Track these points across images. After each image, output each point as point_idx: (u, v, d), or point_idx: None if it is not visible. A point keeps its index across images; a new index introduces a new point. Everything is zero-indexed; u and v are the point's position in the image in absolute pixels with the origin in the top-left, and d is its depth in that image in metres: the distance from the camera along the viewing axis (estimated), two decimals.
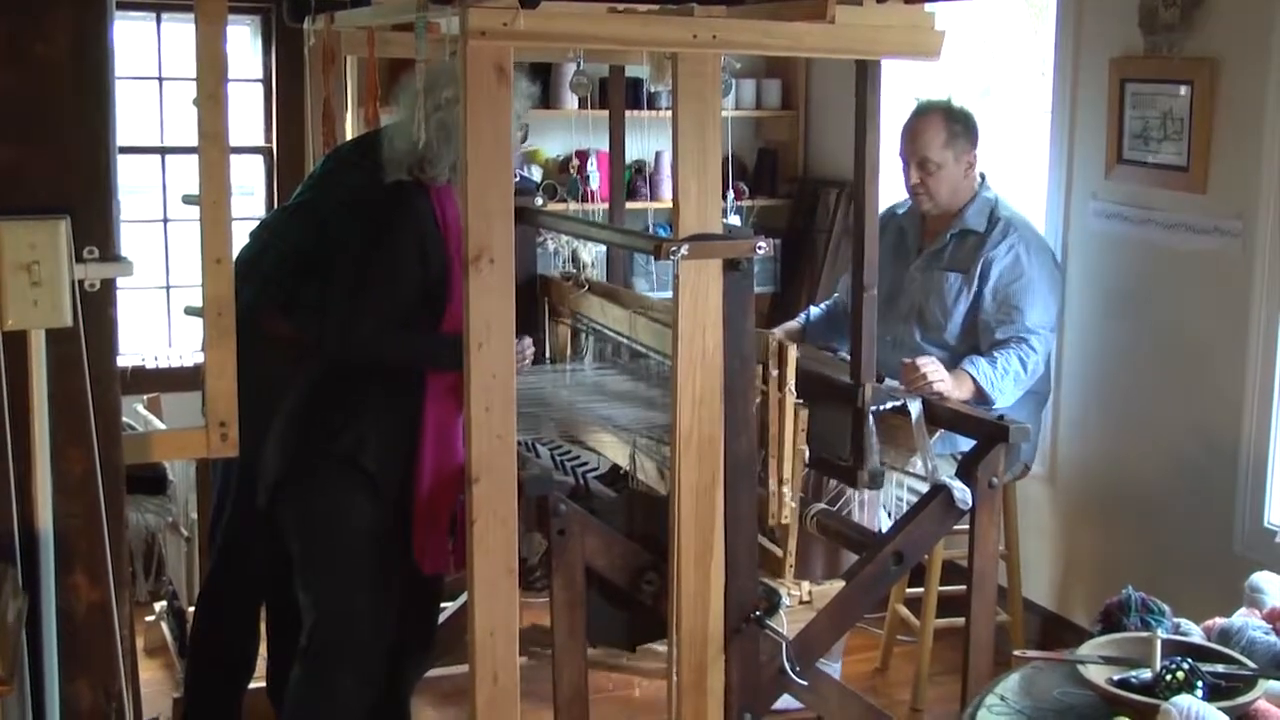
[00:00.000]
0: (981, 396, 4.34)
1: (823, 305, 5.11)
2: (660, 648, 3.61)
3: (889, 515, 4.16)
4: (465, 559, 3.13)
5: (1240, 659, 2.73)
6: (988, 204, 4.67)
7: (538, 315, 4.47)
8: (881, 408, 3.87)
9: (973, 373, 4.37)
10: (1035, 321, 4.51)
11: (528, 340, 3.94)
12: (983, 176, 4.71)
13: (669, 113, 3.27)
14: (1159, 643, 2.71)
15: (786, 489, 3.65)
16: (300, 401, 3.70)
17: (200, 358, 2.85)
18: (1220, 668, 2.68)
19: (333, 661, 3.66)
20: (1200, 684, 2.59)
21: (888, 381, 4.07)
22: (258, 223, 4.33)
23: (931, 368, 4.17)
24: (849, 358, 3.92)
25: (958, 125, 4.62)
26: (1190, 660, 2.65)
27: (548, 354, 4.50)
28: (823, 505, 3.99)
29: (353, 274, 3.62)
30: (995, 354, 4.43)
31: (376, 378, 3.62)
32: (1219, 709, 2.47)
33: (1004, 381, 4.37)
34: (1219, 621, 2.92)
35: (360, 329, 3.58)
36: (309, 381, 3.72)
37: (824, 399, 3.81)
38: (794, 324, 5.01)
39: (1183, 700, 2.48)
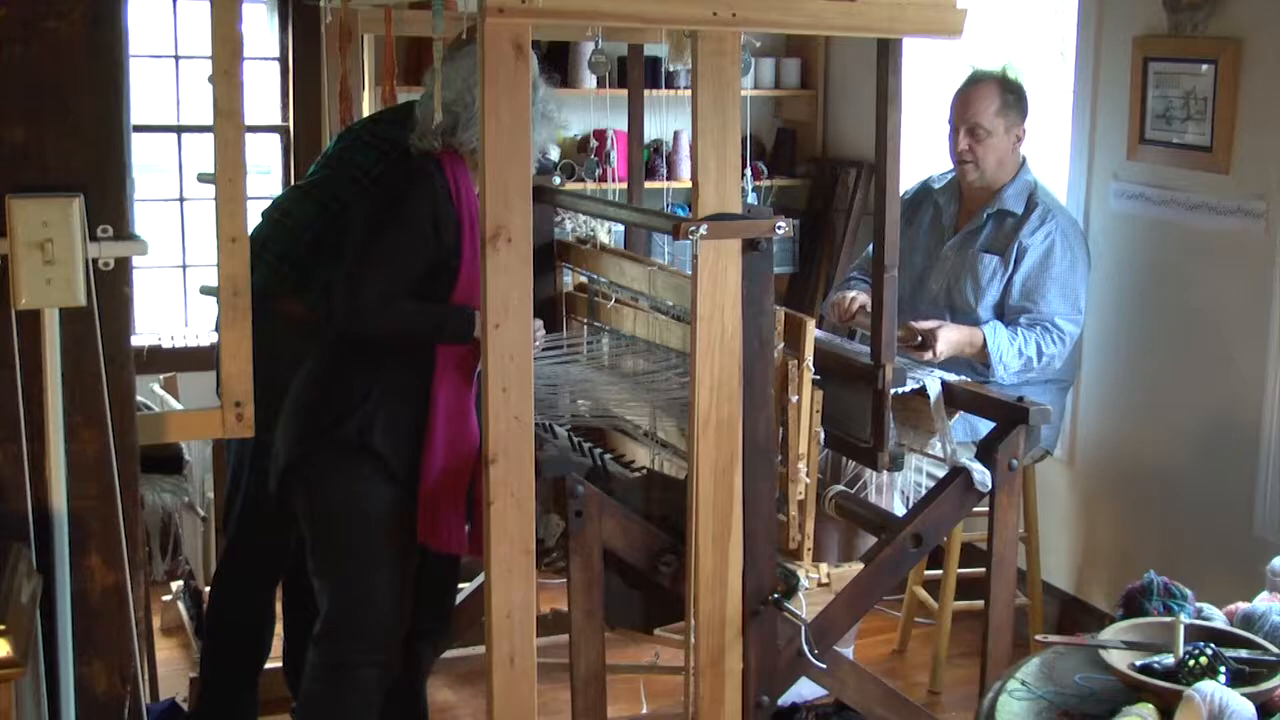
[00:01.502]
0: (984, 358, 4.33)
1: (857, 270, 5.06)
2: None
3: (907, 498, 4.14)
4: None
5: (1264, 644, 2.72)
6: (1027, 187, 4.63)
7: (555, 279, 4.45)
8: (900, 390, 3.86)
9: (987, 334, 4.38)
10: (1063, 316, 4.48)
11: (538, 322, 3.93)
12: (1024, 159, 4.68)
13: (687, 92, 3.25)
14: (1181, 628, 2.69)
15: (802, 465, 3.65)
16: (308, 383, 3.68)
17: (216, 337, 2.83)
18: (1243, 653, 2.67)
19: (347, 645, 3.65)
20: (1223, 670, 2.57)
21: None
22: (270, 202, 4.32)
23: (930, 324, 4.28)
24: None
25: (1011, 95, 4.60)
26: (1213, 646, 2.63)
27: (563, 321, 4.49)
28: (841, 487, 3.98)
29: (362, 245, 3.60)
30: (1019, 330, 4.43)
31: (385, 356, 3.59)
32: (1242, 695, 2.46)
33: (1011, 357, 4.36)
34: (1241, 606, 2.91)
35: (366, 298, 3.55)
36: (317, 362, 3.70)
37: (844, 379, 3.79)
38: (863, 296, 4.75)
39: (1206, 686, 2.46)
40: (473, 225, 3.56)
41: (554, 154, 6.20)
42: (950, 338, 4.35)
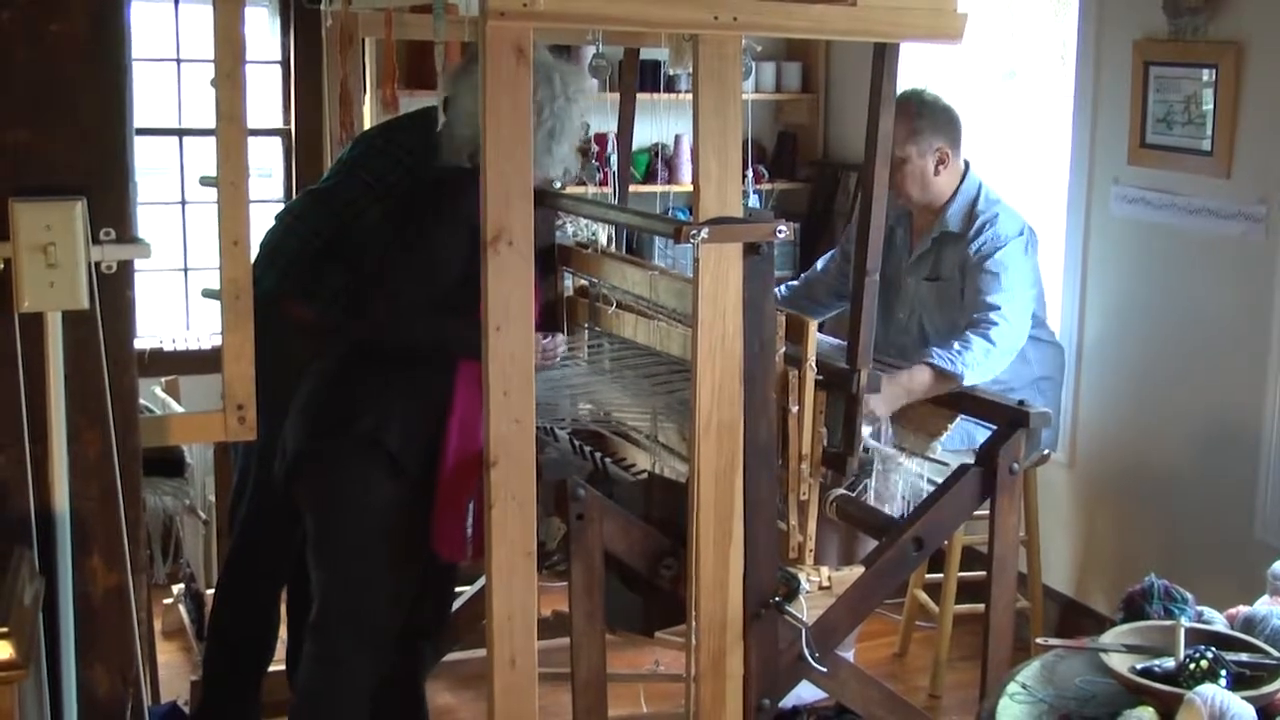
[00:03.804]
0: (946, 377, 4.12)
1: (798, 281, 5.02)
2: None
3: (907, 502, 4.12)
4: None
5: (1264, 648, 2.72)
6: (968, 202, 4.52)
7: (556, 283, 4.45)
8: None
9: (927, 360, 4.14)
10: (993, 297, 4.33)
11: (560, 338, 3.93)
12: (967, 165, 4.58)
13: (688, 96, 3.24)
14: (1182, 631, 2.69)
15: (805, 467, 3.65)
16: (325, 380, 3.69)
17: (218, 340, 2.84)
18: (1244, 657, 2.67)
19: (342, 637, 3.65)
20: (1224, 673, 2.57)
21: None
22: (282, 207, 4.32)
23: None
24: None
25: (923, 120, 4.48)
26: (1214, 649, 2.63)
27: (564, 325, 4.48)
28: (842, 490, 3.97)
29: (398, 254, 3.61)
30: (953, 340, 4.23)
31: (404, 360, 3.60)
32: (1243, 698, 2.46)
33: (964, 356, 4.14)
34: (1242, 610, 2.91)
35: (398, 308, 3.57)
36: (334, 361, 3.70)
37: (826, 384, 3.77)
38: None
39: (1206, 689, 2.46)
40: None
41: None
42: (885, 397, 4.00)
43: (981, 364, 4.20)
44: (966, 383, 4.13)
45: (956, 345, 4.19)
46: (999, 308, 4.30)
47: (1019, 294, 4.38)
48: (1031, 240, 4.52)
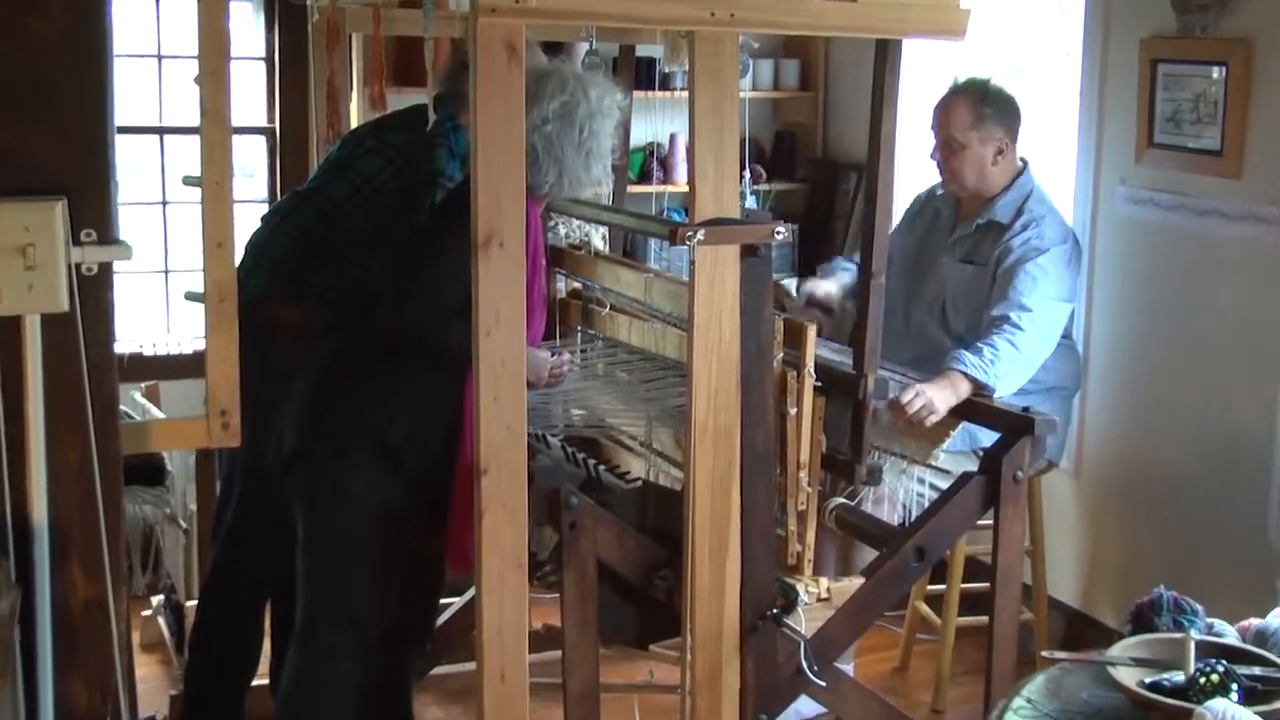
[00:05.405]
0: (980, 387, 4.12)
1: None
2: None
3: (907, 511, 4.08)
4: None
5: (1277, 661, 2.70)
6: (1021, 196, 4.53)
7: (549, 285, 4.42)
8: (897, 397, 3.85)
9: (961, 368, 4.12)
10: (1028, 300, 4.31)
11: (567, 355, 3.91)
12: (1025, 163, 4.60)
13: (684, 93, 3.22)
14: (1192, 644, 2.68)
15: (803, 475, 3.63)
16: (325, 378, 3.67)
17: (201, 344, 2.80)
18: (1256, 670, 2.65)
19: (328, 638, 3.63)
20: (1235, 687, 2.55)
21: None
22: (269, 208, 4.28)
23: (919, 402, 3.96)
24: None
25: (989, 108, 4.49)
26: (1225, 662, 2.62)
27: (557, 329, 4.45)
28: (841, 499, 3.94)
29: (423, 257, 3.57)
30: (980, 344, 4.20)
31: (414, 361, 3.57)
32: (1255, 713, 2.44)
33: (996, 366, 4.14)
34: (1254, 622, 2.92)
35: (416, 309, 3.53)
36: (333, 359, 3.69)
37: (825, 390, 3.74)
38: (830, 286, 4.71)
39: (1217, 704, 2.45)
40: (535, 255, 3.50)
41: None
42: (940, 395, 4.02)
43: (1009, 374, 4.19)
44: (997, 395, 4.13)
45: (987, 353, 4.15)
46: (1031, 311, 4.29)
47: (1053, 303, 4.37)
48: (1076, 252, 4.55)
